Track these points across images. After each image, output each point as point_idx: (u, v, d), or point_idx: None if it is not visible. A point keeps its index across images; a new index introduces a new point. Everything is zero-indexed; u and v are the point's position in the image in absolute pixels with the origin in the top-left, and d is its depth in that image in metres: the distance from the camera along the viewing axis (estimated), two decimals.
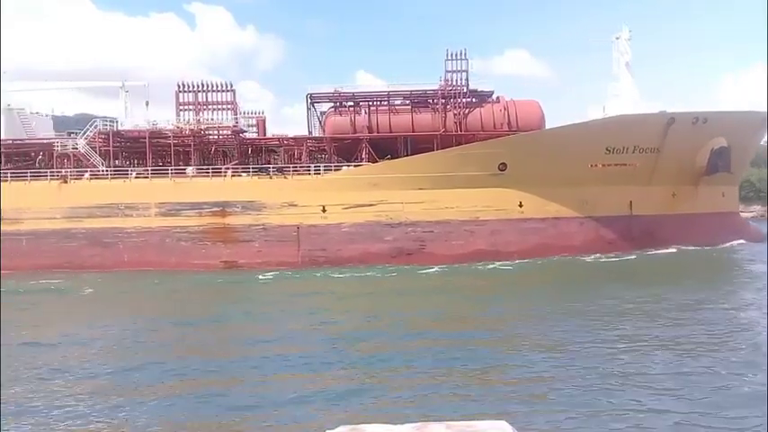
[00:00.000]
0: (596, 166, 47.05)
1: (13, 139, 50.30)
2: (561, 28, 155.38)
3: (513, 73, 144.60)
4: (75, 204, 44.50)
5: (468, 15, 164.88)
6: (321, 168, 45.40)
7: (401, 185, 44.57)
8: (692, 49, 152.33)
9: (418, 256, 44.54)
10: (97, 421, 14.91)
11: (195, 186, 44.65)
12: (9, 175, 45.74)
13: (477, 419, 4.74)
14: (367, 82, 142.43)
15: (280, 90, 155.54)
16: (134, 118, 52.45)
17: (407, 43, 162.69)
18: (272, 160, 55.34)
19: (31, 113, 56.30)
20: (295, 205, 44.43)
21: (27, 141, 51.23)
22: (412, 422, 4.70)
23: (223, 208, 44.38)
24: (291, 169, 45.51)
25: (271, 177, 44.98)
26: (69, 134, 55.62)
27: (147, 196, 44.49)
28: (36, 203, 44.46)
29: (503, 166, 45.16)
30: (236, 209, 44.38)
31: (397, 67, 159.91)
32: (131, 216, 44.37)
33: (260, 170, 45.73)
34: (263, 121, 55.31)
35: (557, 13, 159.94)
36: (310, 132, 53.51)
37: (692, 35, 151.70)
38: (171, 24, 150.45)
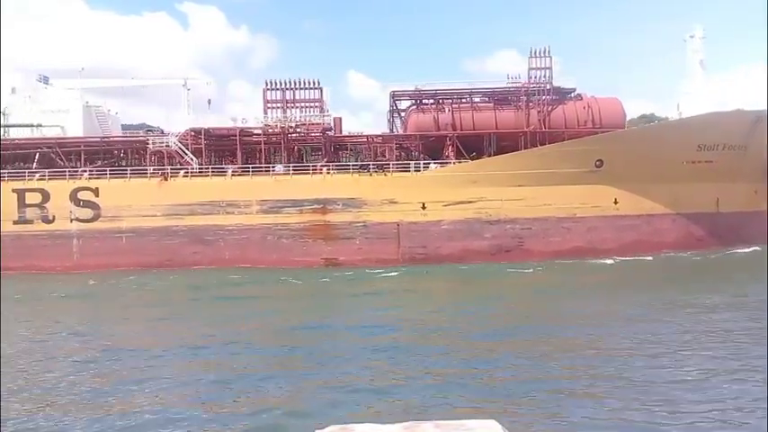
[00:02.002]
0: (687, 163, 47.39)
1: (101, 137, 50.15)
2: (552, 28, 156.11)
3: (504, 71, 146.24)
4: (176, 202, 44.34)
5: (460, 17, 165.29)
6: (421, 166, 45.45)
7: (499, 182, 44.70)
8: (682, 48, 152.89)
9: (517, 254, 44.72)
10: None
11: (296, 183, 44.60)
12: (108, 172, 45.53)
13: (467, 418, 4.73)
14: (359, 81, 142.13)
15: None
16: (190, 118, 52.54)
17: (397, 43, 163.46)
18: (345, 157, 55.41)
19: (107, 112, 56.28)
20: (395, 202, 44.48)
21: (118, 138, 51.28)
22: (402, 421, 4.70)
23: (324, 205, 44.38)
24: (391, 166, 45.54)
25: (371, 174, 44.99)
26: (147, 132, 55.57)
27: (248, 193, 44.40)
28: (136, 201, 44.28)
29: (599, 163, 45.38)
30: (337, 206, 44.38)
31: (388, 67, 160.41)
32: (232, 213, 44.28)
33: (360, 167, 45.68)
34: (340, 120, 55.37)
35: (550, 13, 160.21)
36: (391, 130, 53.71)
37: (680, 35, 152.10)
38: (163, 24, 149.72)
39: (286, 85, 50.11)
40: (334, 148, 52.78)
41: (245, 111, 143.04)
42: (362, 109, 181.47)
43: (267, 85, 49.99)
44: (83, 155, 50.36)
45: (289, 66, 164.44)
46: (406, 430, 4.54)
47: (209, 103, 62.06)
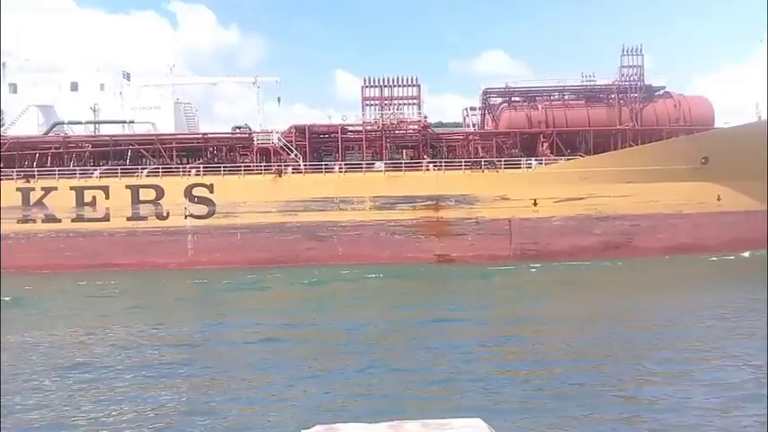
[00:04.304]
0: None
1: (203, 133, 50.17)
2: (541, 29, 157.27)
3: (491, 72, 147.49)
4: (290, 198, 44.39)
5: (447, 18, 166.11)
6: (532, 162, 45.80)
7: (608, 179, 45.13)
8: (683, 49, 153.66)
9: (625, 250, 45.22)
10: None
11: (409, 180, 44.81)
12: (223, 169, 45.49)
13: (453, 417, 4.77)
14: (347, 80, 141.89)
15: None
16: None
17: (386, 43, 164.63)
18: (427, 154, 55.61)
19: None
20: (507, 199, 44.81)
21: (222, 135, 51.43)
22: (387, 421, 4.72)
23: (437, 201, 44.62)
24: (502, 163, 45.85)
25: (483, 171, 45.27)
26: (236, 128, 55.49)
27: (360, 190, 44.53)
28: (251, 197, 44.27)
29: (704, 160, 45.95)
30: (450, 202, 44.64)
31: (377, 66, 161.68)
32: (346, 210, 44.40)
33: (472, 164, 45.95)
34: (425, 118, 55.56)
35: (537, 14, 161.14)
36: (483, 127, 54.02)
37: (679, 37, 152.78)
38: (152, 22, 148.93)
39: (384, 82, 50.21)
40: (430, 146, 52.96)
41: (232, 110, 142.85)
42: (349, 108, 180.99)
43: (365, 82, 50.09)
44: (174, 151, 50.21)
45: (277, 65, 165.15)
46: (391, 429, 4.56)
47: (279, 101, 62.25)
